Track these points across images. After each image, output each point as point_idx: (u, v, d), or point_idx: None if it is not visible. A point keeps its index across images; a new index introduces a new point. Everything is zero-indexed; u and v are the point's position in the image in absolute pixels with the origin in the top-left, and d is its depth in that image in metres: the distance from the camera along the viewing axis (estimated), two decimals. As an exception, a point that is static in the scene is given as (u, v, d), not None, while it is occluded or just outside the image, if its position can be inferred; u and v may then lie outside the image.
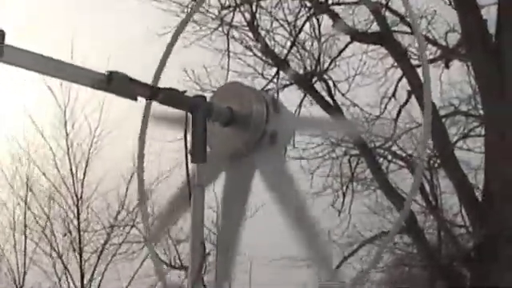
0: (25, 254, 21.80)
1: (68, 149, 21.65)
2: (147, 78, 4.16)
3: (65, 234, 21.58)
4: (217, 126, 3.97)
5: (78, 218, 21.52)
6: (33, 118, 21.55)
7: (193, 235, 3.77)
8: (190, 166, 3.74)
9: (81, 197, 21.57)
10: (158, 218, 4.85)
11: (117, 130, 21.65)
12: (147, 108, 4.50)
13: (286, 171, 4.20)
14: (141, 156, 4.71)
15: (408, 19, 14.17)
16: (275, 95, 4.23)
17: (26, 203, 21.91)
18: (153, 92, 3.78)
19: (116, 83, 3.61)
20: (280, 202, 4.06)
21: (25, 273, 21.77)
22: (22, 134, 21.91)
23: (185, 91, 3.83)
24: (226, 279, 4.04)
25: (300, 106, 14.99)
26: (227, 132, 4.01)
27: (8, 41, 3.29)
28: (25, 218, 21.90)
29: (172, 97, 3.79)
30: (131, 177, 21.19)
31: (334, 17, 14.69)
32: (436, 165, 15.32)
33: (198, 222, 3.78)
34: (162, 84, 4.32)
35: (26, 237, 21.89)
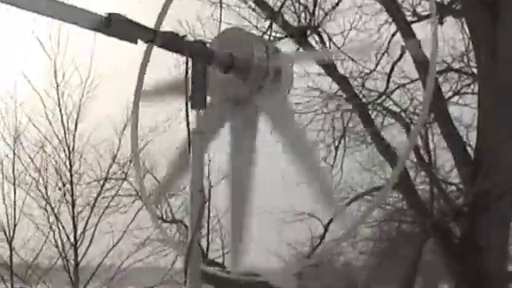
0: (14, 207, 21.74)
1: (59, 100, 21.50)
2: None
3: (59, 188, 21.54)
4: (217, 73, 3.92)
5: (71, 170, 21.46)
6: (22, 69, 21.33)
7: (192, 183, 3.74)
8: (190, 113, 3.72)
9: (73, 149, 21.46)
10: (160, 180, 4.83)
11: (108, 80, 21.54)
12: (147, 53, 4.44)
13: (290, 110, 4.18)
14: (136, 107, 4.67)
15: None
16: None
17: (14, 154, 21.77)
18: (153, 35, 3.71)
19: (115, 26, 3.54)
20: (284, 140, 4.04)
21: (15, 225, 21.69)
22: (12, 86, 21.72)
23: (185, 35, 3.79)
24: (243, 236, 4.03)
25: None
26: (228, 78, 3.97)
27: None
28: (13, 169, 21.79)
29: (172, 40, 3.74)
30: (124, 128, 21.09)
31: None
32: (429, 120, 15.29)
33: (197, 169, 3.75)
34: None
35: (15, 189, 21.80)
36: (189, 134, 3.68)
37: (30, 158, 21.71)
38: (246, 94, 4.00)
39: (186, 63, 3.71)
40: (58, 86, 21.45)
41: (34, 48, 21.44)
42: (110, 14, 3.54)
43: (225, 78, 3.95)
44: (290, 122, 4.18)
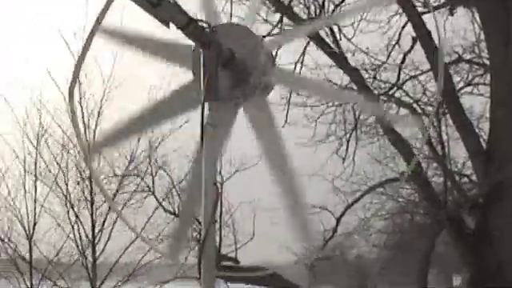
0: (35, 203, 21.89)
1: (80, 98, 21.60)
2: None
3: (78, 183, 21.66)
4: None
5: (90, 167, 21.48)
6: (47, 67, 21.45)
7: (206, 176, 3.72)
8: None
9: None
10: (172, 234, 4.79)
11: (130, 80, 21.64)
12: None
13: (274, 121, 4.13)
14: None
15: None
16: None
17: (37, 151, 21.94)
18: (188, 22, 3.65)
19: (164, 5, 3.49)
20: (264, 151, 4.05)
21: (35, 222, 21.85)
22: (36, 84, 21.87)
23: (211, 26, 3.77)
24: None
25: (303, 53, 14.91)
26: (224, 74, 3.91)
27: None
28: (35, 165, 21.96)
29: (198, 30, 3.70)
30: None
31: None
32: (442, 112, 15.23)
33: (210, 161, 3.73)
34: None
35: (36, 186, 21.97)
36: (202, 126, 3.66)
37: (53, 154, 21.87)
38: (239, 97, 3.97)
39: (202, 57, 3.69)
40: (80, 85, 21.55)
41: (59, 47, 21.54)
42: None
43: (221, 73, 3.88)
44: (270, 134, 4.11)
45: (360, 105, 6.03)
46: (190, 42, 3.84)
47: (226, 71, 3.92)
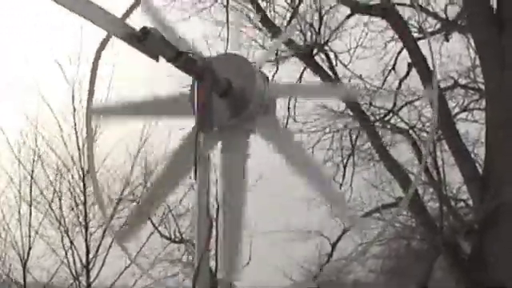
0: (29, 228, 21.83)
1: (75, 124, 21.61)
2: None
3: (72, 208, 21.63)
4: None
5: (85, 192, 21.50)
6: (42, 92, 21.47)
7: (199, 208, 3.73)
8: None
9: (87, 171, 21.53)
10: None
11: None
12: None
13: (286, 130, 4.22)
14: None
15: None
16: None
17: (31, 176, 21.90)
18: (177, 54, 3.68)
19: (150, 40, 3.53)
20: (287, 158, 4.07)
21: (30, 248, 21.78)
22: (31, 109, 21.87)
23: (203, 57, 3.81)
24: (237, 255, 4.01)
25: (300, 78, 14.96)
26: (223, 103, 3.95)
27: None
28: (30, 190, 21.91)
29: (189, 62, 3.73)
30: (138, 152, 21.33)
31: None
32: (437, 137, 15.25)
33: (203, 194, 3.74)
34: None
35: (31, 211, 21.92)
36: (195, 158, 3.68)
37: (49, 179, 21.82)
38: (240, 125, 4.01)
39: (195, 87, 3.71)
40: (74, 111, 21.57)
41: (54, 73, 21.58)
42: (148, 29, 3.55)
43: (219, 102, 3.92)
44: (291, 143, 4.19)
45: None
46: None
47: (225, 100, 3.95)
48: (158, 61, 3.66)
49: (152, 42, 3.54)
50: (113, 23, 3.60)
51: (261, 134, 4.09)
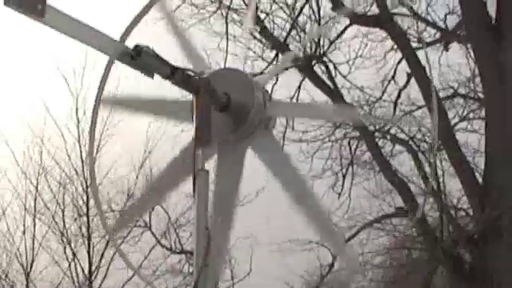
0: (33, 240, 21.87)
1: (79, 136, 21.67)
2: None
3: (75, 220, 21.65)
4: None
5: (87, 204, 21.55)
6: (46, 105, 21.55)
7: (197, 220, 3.75)
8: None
9: (91, 183, 21.59)
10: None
11: (127, 118, 21.75)
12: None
13: (283, 152, 4.21)
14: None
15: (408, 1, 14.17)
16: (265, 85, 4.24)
17: (37, 189, 21.96)
18: (172, 71, 3.70)
19: (143, 58, 3.56)
20: (282, 182, 4.06)
21: (33, 259, 21.81)
22: (36, 121, 21.93)
23: (201, 72, 3.82)
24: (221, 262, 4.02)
25: (299, 88, 14.98)
26: (222, 118, 3.97)
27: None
28: (35, 203, 21.97)
29: (185, 78, 3.75)
30: (142, 164, 21.37)
31: (334, -1, 14.64)
32: (437, 147, 15.25)
33: (202, 206, 3.76)
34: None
35: (35, 223, 21.96)
36: (194, 172, 3.69)
37: (52, 191, 21.88)
38: (238, 139, 4.02)
39: (196, 103, 3.73)
40: (78, 123, 21.64)
41: (58, 84, 21.68)
42: (140, 47, 3.57)
43: (218, 117, 3.94)
44: (284, 165, 4.15)
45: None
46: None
47: (225, 115, 3.97)
48: (152, 78, 3.70)
49: (145, 60, 3.56)
50: (105, 41, 3.62)
51: (258, 154, 4.11)
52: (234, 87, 4.01)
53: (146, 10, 4.27)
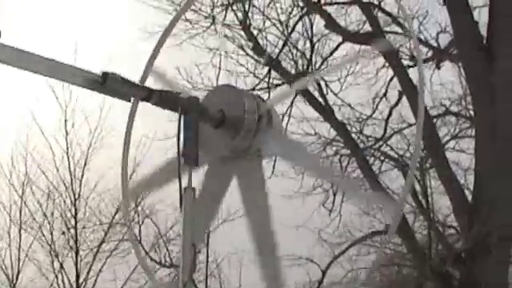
0: (19, 251, 21.80)
1: (67, 148, 21.66)
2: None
3: (63, 233, 21.58)
4: (207, 127, 3.96)
5: (75, 217, 21.51)
6: (34, 116, 21.54)
7: (184, 236, 3.79)
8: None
9: (79, 195, 21.57)
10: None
11: (116, 130, 21.74)
12: (133, 108, 4.45)
13: (262, 187, 4.16)
14: (126, 151, 4.77)
15: (401, 20, 14.24)
16: (272, 106, 4.22)
17: (22, 199, 21.89)
18: (147, 94, 3.77)
19: (110, 84, 3.61)
20: (247, 216, 4.10)
21: (19, 271, 21.74)
22: (23, 133, 21.91)
23: (179, 93, 3.84)
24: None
25: (291, 105, 15.02)
26: (216, 134, 4.02)
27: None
28: (20, 214, 21.89)
29: (166, 99, 3.80)
30: (130, 177, 21.28)
31: (327, 17, 14.72)
32: (427, 165, 15.32)
33: (188, 222, 3.80)
34: (154, 82, 4.37)
35: (20, 234, 21.88)
36: (180, 190, 3.74)
37: (39, 203, 21.80)
38: (229, 155, 4.07)
39: (179, 121, 3.77)
40: (67, 135, 21.64)
41: (46, 96, 21.67)
42: (105, 73, 3.62)
43: (213, 133, 4.00)
44: (257, 201, 4.12)
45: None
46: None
47: (220, 131, 4.01)
48: (130, 101, 3.83)
49: (113, 85, 3.61)
50: (70, 72, 3.63)
51: (268, 150, 4.17)
52: (227, 102, 4.05)
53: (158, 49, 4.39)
